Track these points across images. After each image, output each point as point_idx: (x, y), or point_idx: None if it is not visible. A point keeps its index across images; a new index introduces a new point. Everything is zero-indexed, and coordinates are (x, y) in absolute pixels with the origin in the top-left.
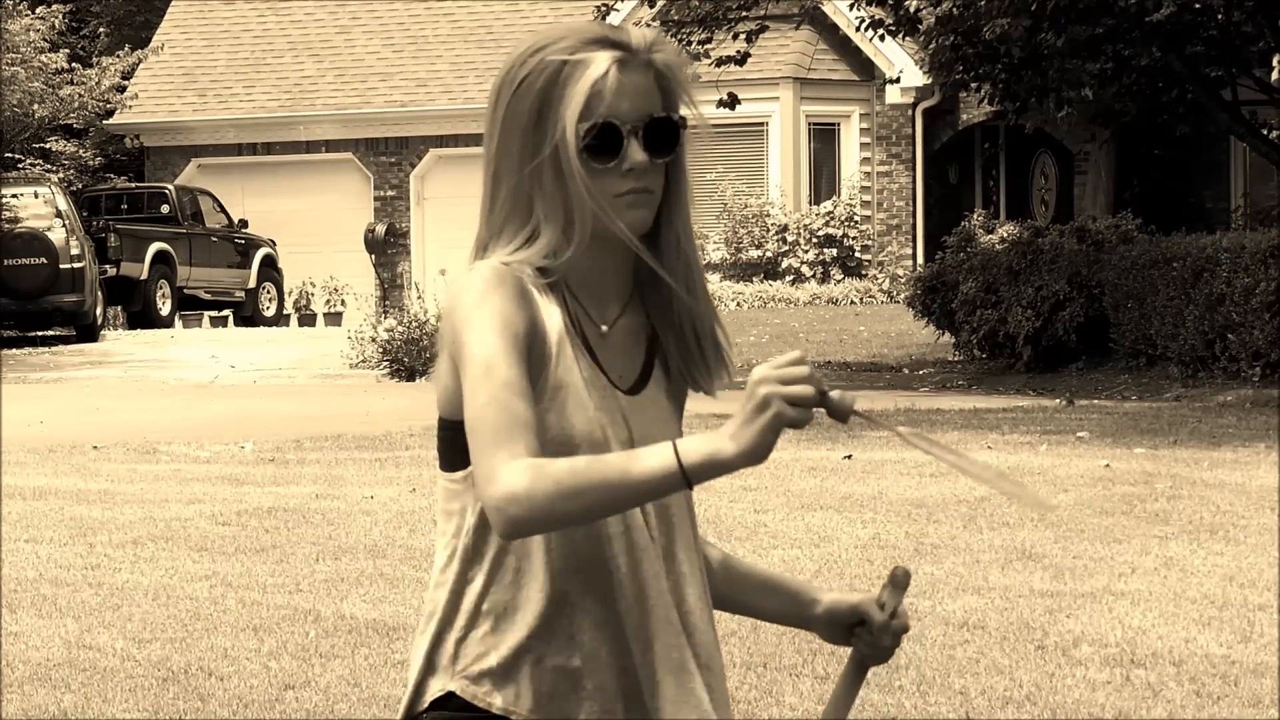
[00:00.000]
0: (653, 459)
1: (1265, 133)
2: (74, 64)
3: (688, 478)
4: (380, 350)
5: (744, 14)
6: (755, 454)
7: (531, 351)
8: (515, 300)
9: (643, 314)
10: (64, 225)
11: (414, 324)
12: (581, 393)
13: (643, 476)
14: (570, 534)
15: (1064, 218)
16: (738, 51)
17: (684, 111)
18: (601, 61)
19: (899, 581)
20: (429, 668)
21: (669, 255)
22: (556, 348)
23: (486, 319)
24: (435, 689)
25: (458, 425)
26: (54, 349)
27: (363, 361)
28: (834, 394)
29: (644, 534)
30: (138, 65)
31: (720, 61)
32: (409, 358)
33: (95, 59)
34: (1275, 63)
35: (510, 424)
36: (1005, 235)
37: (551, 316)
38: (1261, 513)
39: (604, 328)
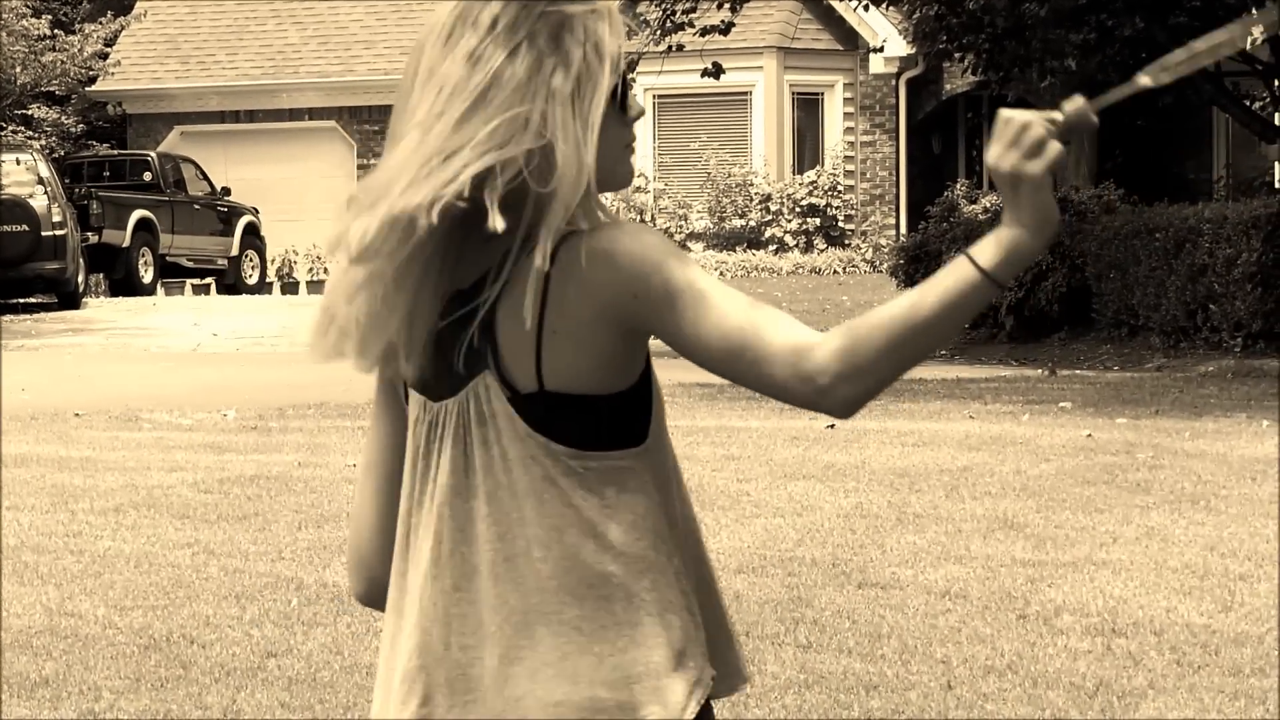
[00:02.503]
0: (950, 279)
1: (1248, 103)
2: (56, 30)
3: (995, 280)
4: None
5: None
6: (1047, 222)
7: None
8: None
9: None
10: (46, 192)
11: None
12: None
13: (949, 300)
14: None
15: None
16: (722, 21)
17: None
18: (618, 15)
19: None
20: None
21: None
22: None
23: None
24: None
25: (619, 397)
26: (36, 316)
27: None
28: (1066, 110)
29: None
30: (120, 32)
31: (704, 31)
32: None
33: (78, 25)
34: (1256, 33)
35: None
36: (988, 205)
37: None
38: (1243, 483)
39: None
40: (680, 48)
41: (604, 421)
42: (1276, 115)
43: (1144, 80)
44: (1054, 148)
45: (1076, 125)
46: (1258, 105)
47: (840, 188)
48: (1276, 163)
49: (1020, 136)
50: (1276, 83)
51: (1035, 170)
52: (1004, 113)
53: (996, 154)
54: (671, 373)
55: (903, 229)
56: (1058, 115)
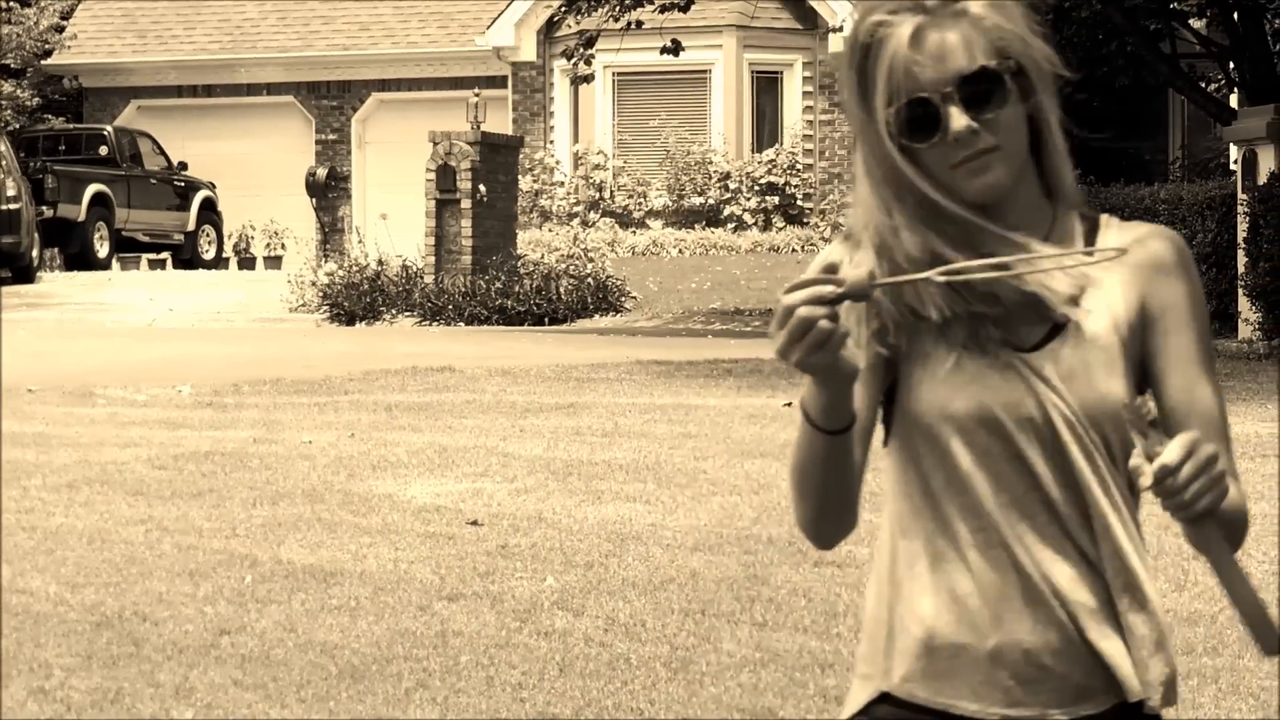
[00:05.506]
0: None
1: (1203, 85)
2: (11, 3)
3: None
4: (320, 294)
5: None
6: (807, 382)
7: None
8: None
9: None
10: (0, 166)
11: (354, 268)
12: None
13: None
14: None
15: None
16: None
17: (1018, 53)
18: (899, 33)
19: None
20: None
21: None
22: None
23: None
24: None
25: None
26: None
27: (302, 305)
28: (849, 280)
29: None
30: (77, 5)
31: (664, 8)
32: (349, 302)
33: None
34: (1209, 16)
35: None
36: None
37: None
38: None
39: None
40: (639, 24)
41: None
42: (1232, 97)
43: (936, 276)
44: (831, 340)
45: (853, 297)
46: (1213, 88)
47: (799, 166)
48: (1231, 145)
49: (797, 330)
50: (1231, 65)
51: (819, 368)
52: (784, 299)
53: (780, 349)
54: (626, 349)
55: None
56: (838, 282)
